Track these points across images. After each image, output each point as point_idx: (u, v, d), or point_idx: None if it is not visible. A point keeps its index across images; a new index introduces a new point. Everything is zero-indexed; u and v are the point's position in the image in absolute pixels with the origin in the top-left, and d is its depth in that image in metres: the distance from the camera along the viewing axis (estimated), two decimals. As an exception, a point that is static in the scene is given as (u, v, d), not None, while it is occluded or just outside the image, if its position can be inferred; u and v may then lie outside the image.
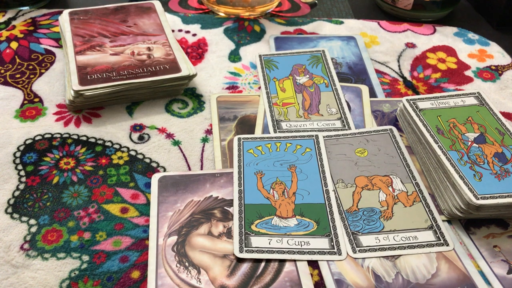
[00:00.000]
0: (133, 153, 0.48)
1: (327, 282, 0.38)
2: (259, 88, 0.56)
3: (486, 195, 0.40)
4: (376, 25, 0.67)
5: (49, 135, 0.49)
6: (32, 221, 0.42)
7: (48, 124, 0.50)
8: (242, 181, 0.45)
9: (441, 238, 0.41)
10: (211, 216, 0.42)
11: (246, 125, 0.51)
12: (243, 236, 0.41)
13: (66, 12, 0.60)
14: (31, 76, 0.56)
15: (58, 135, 0.49)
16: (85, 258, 0.39)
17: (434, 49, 0.63)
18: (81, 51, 0.55)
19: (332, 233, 0.41)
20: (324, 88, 0.55)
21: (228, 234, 0.41)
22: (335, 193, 0.44)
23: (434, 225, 0.42)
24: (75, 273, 0.38)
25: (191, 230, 0.41)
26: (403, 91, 0.57)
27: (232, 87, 0.56)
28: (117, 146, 0.49)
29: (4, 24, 0.63)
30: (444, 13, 0.69)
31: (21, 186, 0.44)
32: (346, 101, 0.54)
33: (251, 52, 0.61)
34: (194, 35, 0.64)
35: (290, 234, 0.41)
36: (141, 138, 0.50)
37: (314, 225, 0.41)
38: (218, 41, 0.63)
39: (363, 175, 0.46)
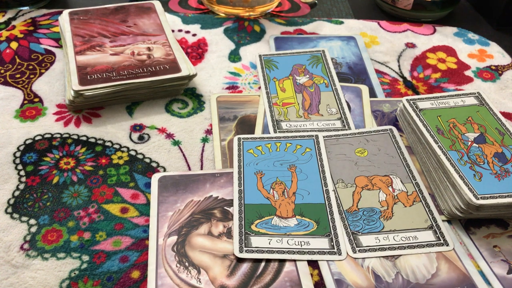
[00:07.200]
0: (133, 153, 0.48)
1: (327, 282, 0.38)
2: (259, 88, 0.56)
3: (486, 195, 0.40)
4: (376, 25, 0.67)
5: (49, 135, 0.49)
6: (32, 221, 0.42)
7: (48, 124, 0.50)
8: (242, 181, 0.45)
9: (441, 238, 0.41)
10: (211, 216, 0.42)
11: (246, 125, 0.51)
12: (243, 236, 0.41)
13: (66, 12, 0.60)
14: (31, 76, 0.56)
15: (58, 135, 0.49)
16: (85, 258, 0.39)
17: (434, 49, 0.63)
18: (81, 51, 0.55)
19: (332, 233, 0.41)
20: (324, 88, 0.55)
21: (228, 234, 0.41)
22: (335, 193, 0.44)
23: (434, 225, 0.42)
24: (75, 273, 0.38)
25: (191, 230, 0.41)
26: (403, 91, 0.57)
27: (232, 87, 0.56)
28: (117, 146, 0.49)
29: (4, 24, 0.63)
30: (444, 13, 0.69)
31: (21, 186, 0.44)
32: (346, 101, 0.54)
33: (251, 52, 0.61)
34: (194, 35, 0.64)
35: (290, 234, 0.41)
36: (141, 138, 0.50)
37: (314, 225, 0.41)
38: (218, 41, 0.63)
39: (363, 175, 0.46)
